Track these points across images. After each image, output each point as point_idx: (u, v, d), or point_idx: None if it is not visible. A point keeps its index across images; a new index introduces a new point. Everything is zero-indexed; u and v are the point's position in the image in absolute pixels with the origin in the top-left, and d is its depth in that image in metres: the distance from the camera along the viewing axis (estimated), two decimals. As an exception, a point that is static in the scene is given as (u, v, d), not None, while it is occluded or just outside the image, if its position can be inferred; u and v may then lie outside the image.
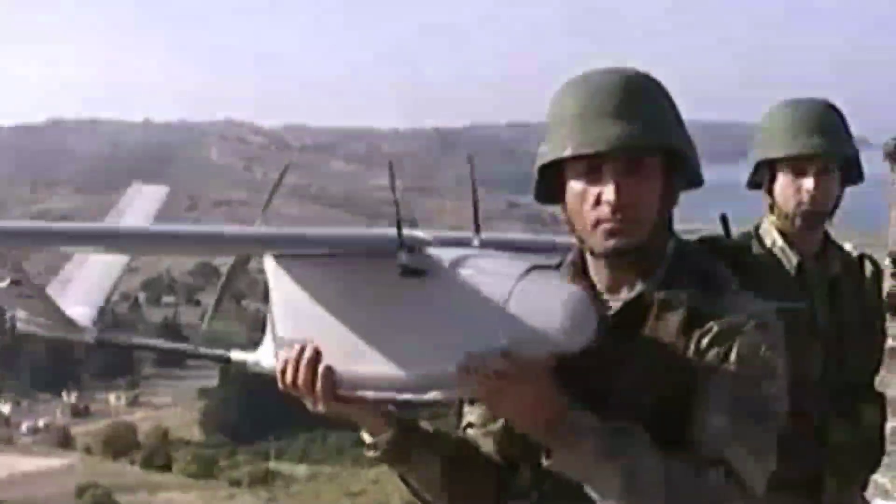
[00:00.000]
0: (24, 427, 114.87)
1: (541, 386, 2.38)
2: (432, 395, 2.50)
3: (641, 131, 2.47)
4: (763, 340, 2.46)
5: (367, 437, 2.73)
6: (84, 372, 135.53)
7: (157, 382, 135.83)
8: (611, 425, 2.40)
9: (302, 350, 2.65)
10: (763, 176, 4.00)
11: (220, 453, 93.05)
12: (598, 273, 2.62)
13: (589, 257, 2.62)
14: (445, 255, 2.52)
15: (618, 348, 2.51)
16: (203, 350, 2.96)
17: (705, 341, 2.47)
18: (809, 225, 3.96)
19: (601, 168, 2.49)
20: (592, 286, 2.61)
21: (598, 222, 2.51)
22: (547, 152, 2.54)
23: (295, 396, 2.68)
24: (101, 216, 2.87)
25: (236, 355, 2.79)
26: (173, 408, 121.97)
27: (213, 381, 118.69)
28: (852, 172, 4.01)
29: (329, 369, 2.62)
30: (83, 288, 3.02)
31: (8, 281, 2.81)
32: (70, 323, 3.08)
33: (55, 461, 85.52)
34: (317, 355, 2.63)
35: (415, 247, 2.54)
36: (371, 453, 2.71)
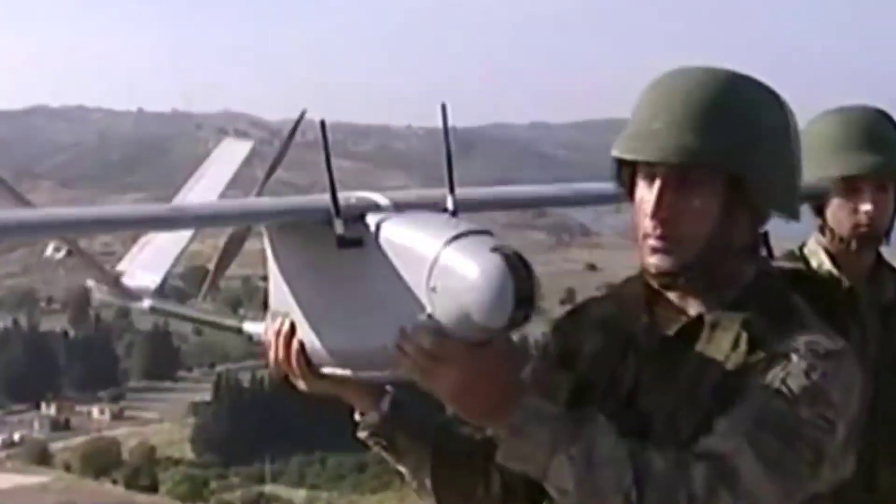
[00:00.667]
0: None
1: (476, 368, 2.31)
2: (385, 374, 2.52)
3: (693, 144, 2.44)
4: (817, 366, 2.41)
5: (357, 417, 2.74)
6: (65, 382, 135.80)
7: (144, 395, 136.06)
8: (570, 413, 2.37)
9: (281, 323, 2.67)
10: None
11: (211, 474, 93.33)
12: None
13: None
14: (381, 220, 2.49)
15: (666, 372, 2.52)
16: (219, 319, 3.07)
17: (753, 361, 2.45)
18: (864, 247, 3.87)
19: (653, 177, 2.49)
20: (649, 308, 2.61)
21: (645, 236, 2.51)
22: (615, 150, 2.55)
23: (286, 378, 2.70)
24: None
25: (248, 326, 2.86)
26: (161, 423, 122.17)
27: (206, 396, 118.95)
28: None
29: (301, 344, 2.64)
30: (153, 254, 3.17)
31: (64, 251, 2.99)
32: (125, 291, 3.21)
33: (31, 478, 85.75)
34: (291, 329, 2.65)
35: (359, 213, 2.53)
36: (360, 434, 2.72)
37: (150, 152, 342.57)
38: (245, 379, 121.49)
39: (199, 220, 2.85)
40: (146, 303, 3.20)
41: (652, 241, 2.49)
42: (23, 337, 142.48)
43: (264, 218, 2.85)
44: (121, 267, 3.23)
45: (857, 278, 3.90)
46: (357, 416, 2.74)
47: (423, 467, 2.70)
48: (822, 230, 3.91)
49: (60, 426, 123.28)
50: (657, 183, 2.48)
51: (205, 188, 3.34)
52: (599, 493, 2.29)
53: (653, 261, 2.50)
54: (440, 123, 2.61)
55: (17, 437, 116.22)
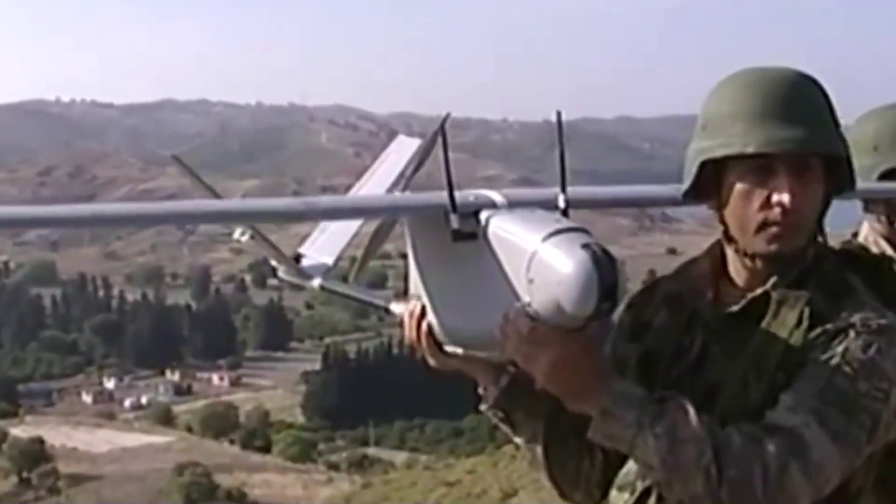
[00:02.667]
0: (126, 403, 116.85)
1: (568, 352, 2.38)
2: (493, 354, 2.59)
3: (813, 136, 2.48)
4: (873, 341, 2.44)
5: (480, 391, 2.78)
6: (188, 351, 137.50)
7: (260, 364, 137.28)
8: (654, 395, 2.42)
9: (413, 306, 2.74)
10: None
11: (319, 437, 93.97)
12: (737, 271, 2.63)
13: (730, 254, 2.63)
14: (491, 215, 2.56)
15: (734, 343, 2.55)
16: (371, 299, 3.18)
17: (814, 335, 2.48)
18: None
19: (772, 169, 2.50)
20: (714, 282, 2.65)
21: (764, 225, 2.52)
22: (712, 147, 2.54)
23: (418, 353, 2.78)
24: (208, 197, 2.96)
25: (393, 307, 2.94)
26: (275, 390, 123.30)
27: (316, 365, 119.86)
28: None
29: (429, 325, 2.71)
30: (328, 239, 3.28)
31: (248, 235, 3.11)
32: (301, 271, 3.33)
33: (156, 438, 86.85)
34: (422, 311, 2.72)
35: (474, 210, 2.58)
36: (482, 406, 2.77)
37: (266, 142, 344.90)
38: (351, 350, 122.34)
39: (326, 213, 2.95)
40: (316, 281, 3.30)
41: (776, 229, 2.50)
42: (150, 309, 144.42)
43: (387, 213, 2.99)
44: (302, 249, 3.34)
45: None
46: (480, 391, 2.78)
47: (535, 441, 2.74)
48: (889, 218, 3.83)
49: (183, 391, 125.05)
50: (781, 174, 2.49)
51: (376, 181, 3.42)
52: (682, 468, 2.34)
53: (775, 247, 2.52)
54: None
55: (144, 400, 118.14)
